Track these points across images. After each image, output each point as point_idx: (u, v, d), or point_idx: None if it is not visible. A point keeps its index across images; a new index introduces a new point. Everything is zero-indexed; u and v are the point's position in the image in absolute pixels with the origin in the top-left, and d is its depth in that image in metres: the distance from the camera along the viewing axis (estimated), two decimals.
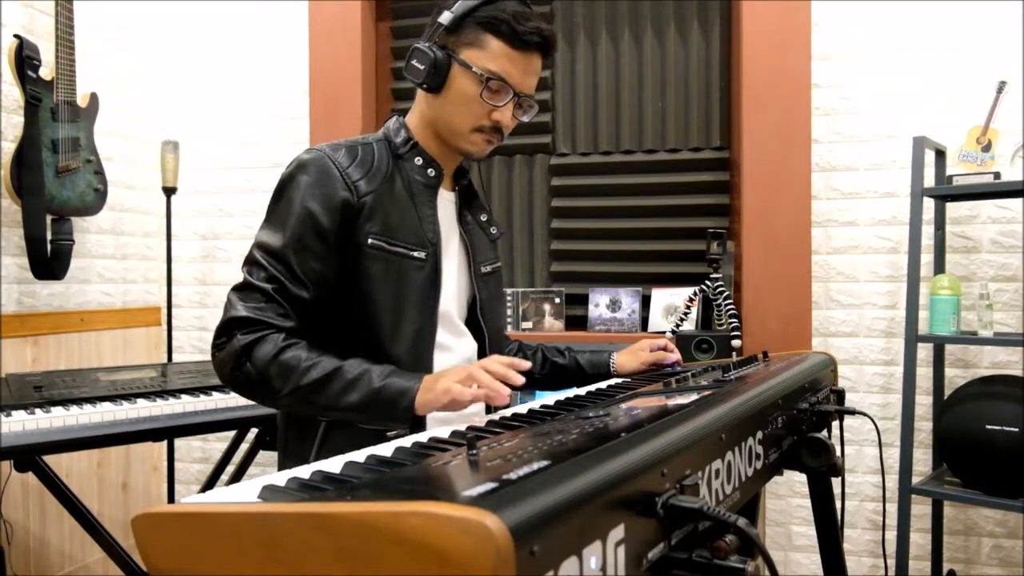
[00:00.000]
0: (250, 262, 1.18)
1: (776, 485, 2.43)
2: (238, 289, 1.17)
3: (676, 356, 1.49)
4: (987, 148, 2.14)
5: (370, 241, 1.19)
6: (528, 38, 1.21)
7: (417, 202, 1.26)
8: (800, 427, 1.13)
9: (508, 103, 1.23)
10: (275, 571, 0.53)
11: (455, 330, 1.33)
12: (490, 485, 0.52)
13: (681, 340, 2.16)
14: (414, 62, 1.23)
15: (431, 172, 1.29)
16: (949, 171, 2.21)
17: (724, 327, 2.22)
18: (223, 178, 2.90)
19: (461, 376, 1.06)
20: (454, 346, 1.31)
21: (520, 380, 1.04)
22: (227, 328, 1.14)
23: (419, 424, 1.13)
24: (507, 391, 1.02)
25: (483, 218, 1.43)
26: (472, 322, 1.37)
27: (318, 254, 1.17)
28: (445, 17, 1.23)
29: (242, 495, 0.67)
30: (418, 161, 1.29)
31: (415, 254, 1.23)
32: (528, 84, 1.26)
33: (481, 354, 1.37)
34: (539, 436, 0.75)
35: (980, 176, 2.10)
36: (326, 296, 1.19)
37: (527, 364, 1.08)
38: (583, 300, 2.63)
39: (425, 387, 1.09)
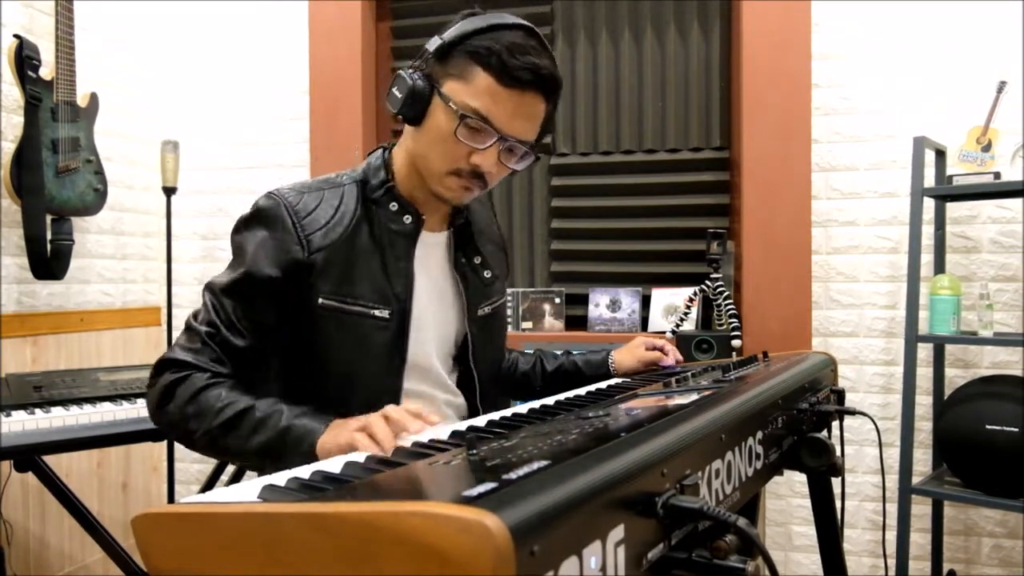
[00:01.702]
0: (201, 301, 1.15)
1: (776, 485, 2.43)
2: (184, 329, 1.15)
3: (672, 360, 1.48)
4: (987, 148, 2.14)
5: (320, 301, 1.12)
6: (519, 74, 1.07)
7: (387, 254, 1.17)
8: (800, 427, 1.13)
9: (491, 147, 1.10)
10: (275, 571, 0.53)
11: (436, 381, 1.26)
12: (490, 485, 0.52)
13: (681, 340, 2.16)
14: (393, 89, 1.12)
15: (407, 219, 1.19)
16: (949, 171, 2.21)
17: (724, 327, 2.22)
18: (223, 178, 2.90)
19: (358, 426, 0.94)
20: (434, 395, 1.26)
21: (416, 428, 0.91)
22: (159, 367, 1.12)
23: None
24: (392, 445, 0.88)
25: (477, 261, 1.32)
26: (463, 366, 1.31)
27: (259, 307, 1.12)
28: (434, 43, 1.12)
29: (242, 495, 0.67)
30: (393, 207, 1.18)
31: (376, 313, 1.15)
32: (517, 128, 1.10)
33: (471, 399, 1.31)
34: (539, 436, 0.75)
35: (980, 176, 2.10)
36: (270, 348, 1.14)
37: (435, 419, 0.95)
38: (583, 300, 2.63)
39: (330, 431, 0.99)
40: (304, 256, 1.11)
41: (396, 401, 1.17)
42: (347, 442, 0.92)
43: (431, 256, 1.26)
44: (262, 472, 1.05)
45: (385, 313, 1.16)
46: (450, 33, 1.11)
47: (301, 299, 1.13)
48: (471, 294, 1.29)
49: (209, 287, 1.15)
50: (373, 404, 1.05)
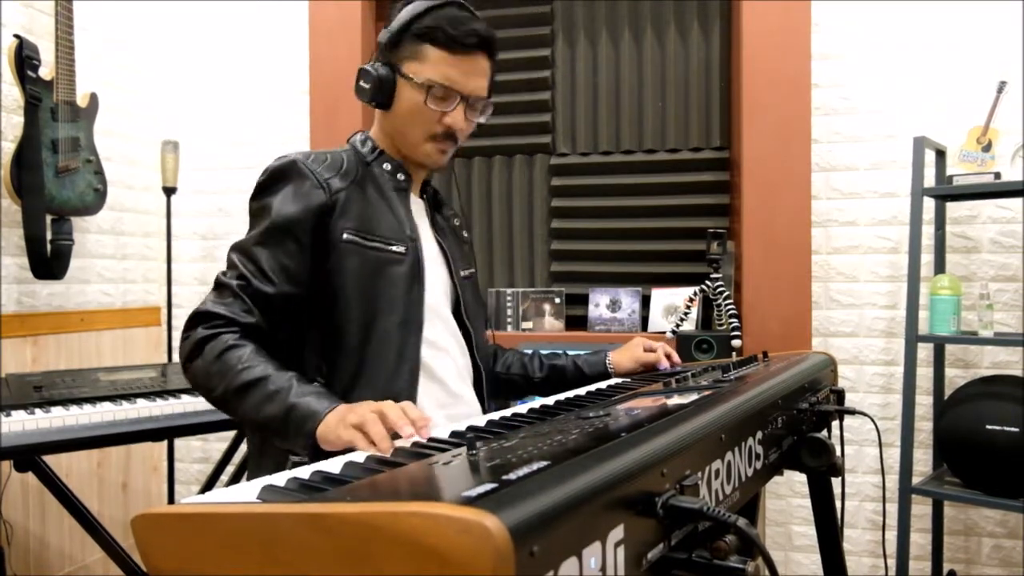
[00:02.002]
0: (227, 264, 1.21)
1: (776, 485, 2.43)
2: (213, 286, 1.19)
3: (667, 365, 1.47)
4: (987, 148, 2.14)
5: (345, 236, 1.20)
6: (465, 40, 1.22)
7: (391, 202, 1.28)
8: (800, 427, 1.13)
9: (456, 107, 1.25)
10: (275, 571, 0.53)
11: (448, 328, 1.32)
12: (490, 485, 0.52)
13: (681, 340, 2.16)
14: (360, 82, 1.26)
15: (400, 176, 1.31)
16: (949, 171, 2.21)
17: (724, 327, 2.22)
18: (223, 178, 2.90)
19: (357, 421, 0.95)
20: (449, 346, 1.31)
21: (408, 433, 0.91)
22: (192, 322, 1.16)
23: (320, 454, 1.00)
24: (389, 447, 0.89)
25: (456, 222, 1.45)
26: (458, 324, 1.37)
27: (289, 251, 1.17)
28: (384, 35, 1.27)
29: (242, 495, 0.67)
30: (387, 166, 1.31)
31: (394, 248, 1.24)
32: (474, 85, 1.26)
33: (472, 356, 1.37)
34: (539, 436, 0.75)
35: (980, 176, 2.10)
36: (297, 295, 1.18)
37: (426, 432, 0.93)
38: (583, 300, 2.63)
39: (333, 417, 1.00)
40: (326, 198, 1.20)
41: (419, 334, 1.23)
42: (348, 440, 0.94)
43: (419, 215, 1.34)
44: (272, 443, 1.11)
45: (401, 248, 1.24)
46: (395, 23, 1.26)
47: (326, 238, 1.19)
48: (452, 255, 1.37)
49: (236, 246, 1.20)
50: (399, 347, 1.19)
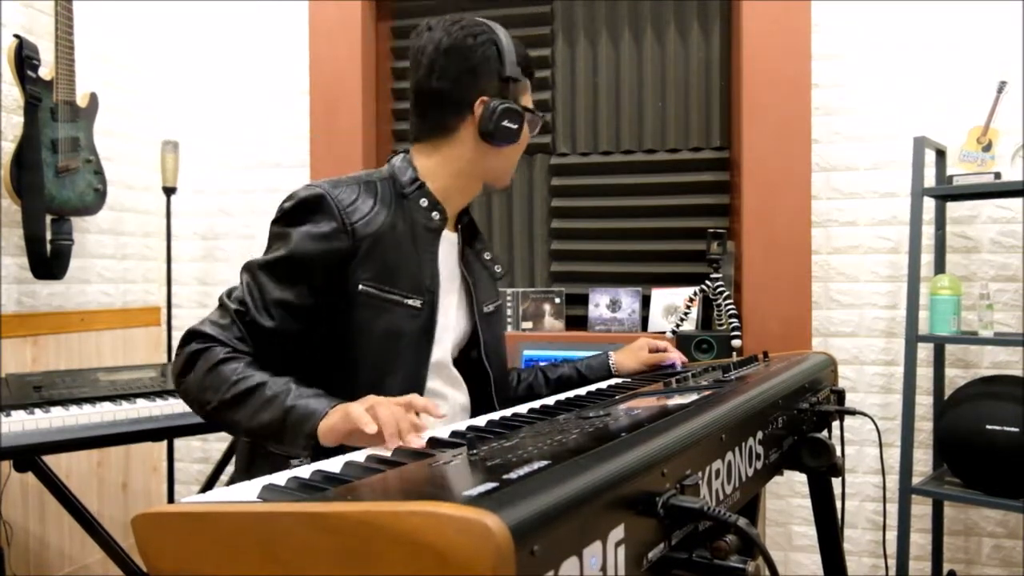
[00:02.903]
0: (239, 279, 1.18)
1: (776, 485, 2.43)
2: (217, 305, 1.17)
3: (675, 357, 1.48)
4: (987, 148, 2.14)
5: (360, 287, 1.15)
6: (530, 65, 1.30)
7: (419, 247, 1.22)
8: (800, 427, 1.13)
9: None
10: (275, 571, 0.53)
11: (449, 378, 1.30)
12: (490, 485, 0.52)
13: (681, 340, 2.16)
14: (506, 123, 1.22)
15: (435, 215, 1.25)
16: (949, 171, 2.21)
17: (724, 327, 2.22)
18: (223, 178, 2.90)
19: (366, 405, 0.95)
20: (447, 394, 1.28)
21: (416, 441, 0.89)
22: (186, 338, 1.14)
23: (321, 452, 0.98)
24: (397, 442, 0.88)
25: (487, 256, 1.41)
26: (476, 364, 1.34)
27: (297, 290, 1.14)
28: (504, 68, 1.24)
29: (242, 495, 0.67)
30: (423, 203, 1.25)
31: (410, 302, 1.19)
32: None
33: (486, 397, 1.33)
34: (539, 436, 0.75)
35: (980, 176, 2.10)
36: (297, 333, 1.15)
37: (441, 412, 0.97)
38: (583, 300, 2.63)
39: (336, 413, 0.98)
40: (349, 244, 1.15)
41: (421, 391, 1.20)
42: (355, 420, 0.91)
43: (447, 253, 1.30)
44: (272, 449, 1.08)
45: (418, 303, 1.20)
46: (509, 56, 1.24)
47: (341, 286, 1.15)
48: (478, 290, 1.34)
49: (247, 267, 1.17)
50: (400, 391, 1.09)
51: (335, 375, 1.16)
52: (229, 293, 1.17)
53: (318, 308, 1.15)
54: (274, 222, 1.20)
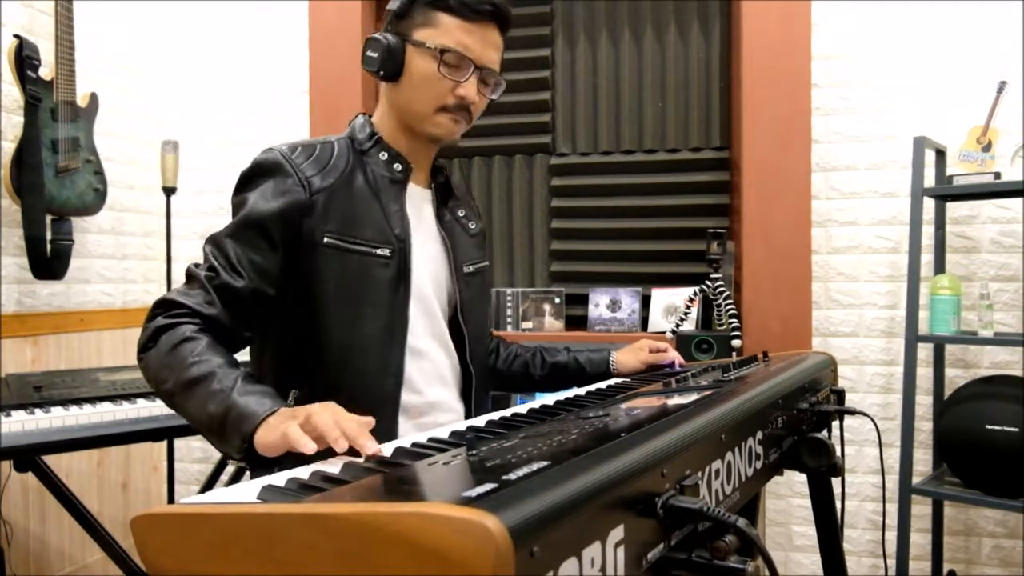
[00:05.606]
0: (201, 256, 1.18)
1: (776, 485, 2.43)
2: (184, 278, 1.16)
3: (674, 356, 1.49)
4: (987, 148, 2.14)
5: (326, 240, 1.15)
6: (479, 7, 1.18)
7: (382, 197, 1.22)
8: (800, 427, 1.13)
9: (470, 77, 1.20)
10: (274, 572, 0.53)
11: (435, 331, 1.28)
12: (490, 485, 0.52)
13: (681, 340, 2.16)
14: (368, 52, 1.21)
15: (397, 167, 1.25)
16: (949, 171, 2.21)
17: (724, 327, 2.22)
18: (223, 178, 2.90)
19: (300, 419, 0.88)
20: (431, 350, 1.26)
21: (371, 445, 0.82)
22: (154, 309, 1.12)
23: (257, 459, 0.92)
24: (345, 445, 0.83)
25: (461, 213, 1.38)
26: (453, 323, 1.32)
27: (260, 248, 1.14)
28: (393, 3, 1.22)
29: (242, 495, 0.67)
30: (383, 156, 1.25)
31: (378, 251, 1.19)
32: (489, 57, 1.21)
33: (462, 357, 1.32)
34: (539, 436, 0.75)
35: (980, 176, 2.10)
36: (269, 294, 1.14)
37: (370, 448, 0.82)
38: (583, 300, 2.63)
39: (275, 419, 0.91)
40: (306, 197, 1.16)
41: (403, 341, 1.19)
42: (292, 439, 0.84)
43: (419, 208, 1.29)
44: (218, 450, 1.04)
45: (387, 251, 1.20)
46: None
47: (304, 240, 1.16)
48: (457, 250, 1.33)
49: (210, 238, 1.17)
50: (382, 355, 1.15)
51: (312, 335, 1.16)
52: (195, 265, 1.16)
53: (287, 266, 1.16)
54: (234, 191, 1.22)
